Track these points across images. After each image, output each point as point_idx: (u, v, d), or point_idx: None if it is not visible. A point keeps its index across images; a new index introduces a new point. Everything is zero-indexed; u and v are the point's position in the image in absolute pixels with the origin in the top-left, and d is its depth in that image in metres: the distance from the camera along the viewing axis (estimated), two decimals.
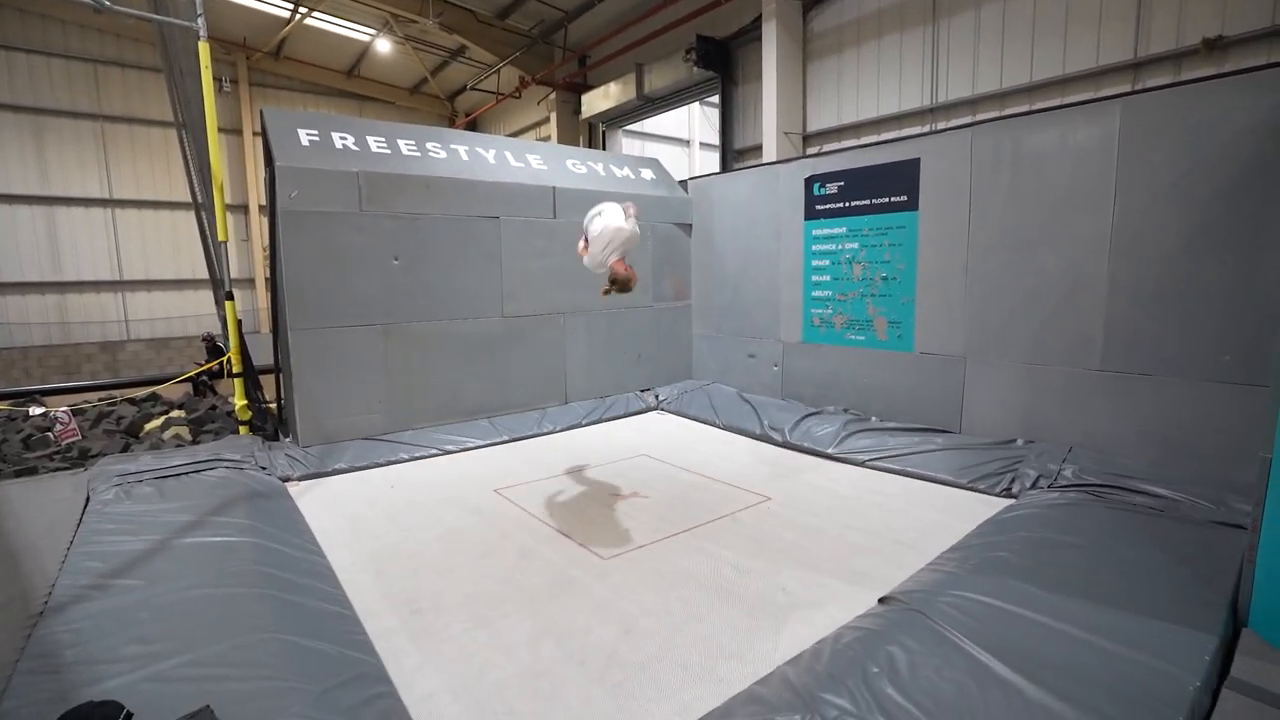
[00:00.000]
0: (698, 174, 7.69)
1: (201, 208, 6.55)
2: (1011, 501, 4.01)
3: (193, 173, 6.56)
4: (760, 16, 8.32)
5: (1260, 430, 2.44)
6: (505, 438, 5.78)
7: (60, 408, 5.59)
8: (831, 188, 6.00)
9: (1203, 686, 2.11)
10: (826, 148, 8.18)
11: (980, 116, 6.60)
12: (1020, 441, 4.73)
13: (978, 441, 4.84)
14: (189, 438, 6.28)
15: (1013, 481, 4.23)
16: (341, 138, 5.60)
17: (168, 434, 6.33)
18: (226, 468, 4.48)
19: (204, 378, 9.88)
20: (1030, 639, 2.37)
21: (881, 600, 2.75)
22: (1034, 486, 4.11)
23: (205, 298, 15.14)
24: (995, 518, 3.67)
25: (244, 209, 16.98)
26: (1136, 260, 4.20)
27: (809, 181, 6.17)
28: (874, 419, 5.60)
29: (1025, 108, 6.34)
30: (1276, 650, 2.31)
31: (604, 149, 12.57)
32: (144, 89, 15.35)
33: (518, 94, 13.69)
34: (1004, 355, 4.90)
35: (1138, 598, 2.65)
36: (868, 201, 5.71)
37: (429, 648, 2.62)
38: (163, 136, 15.36)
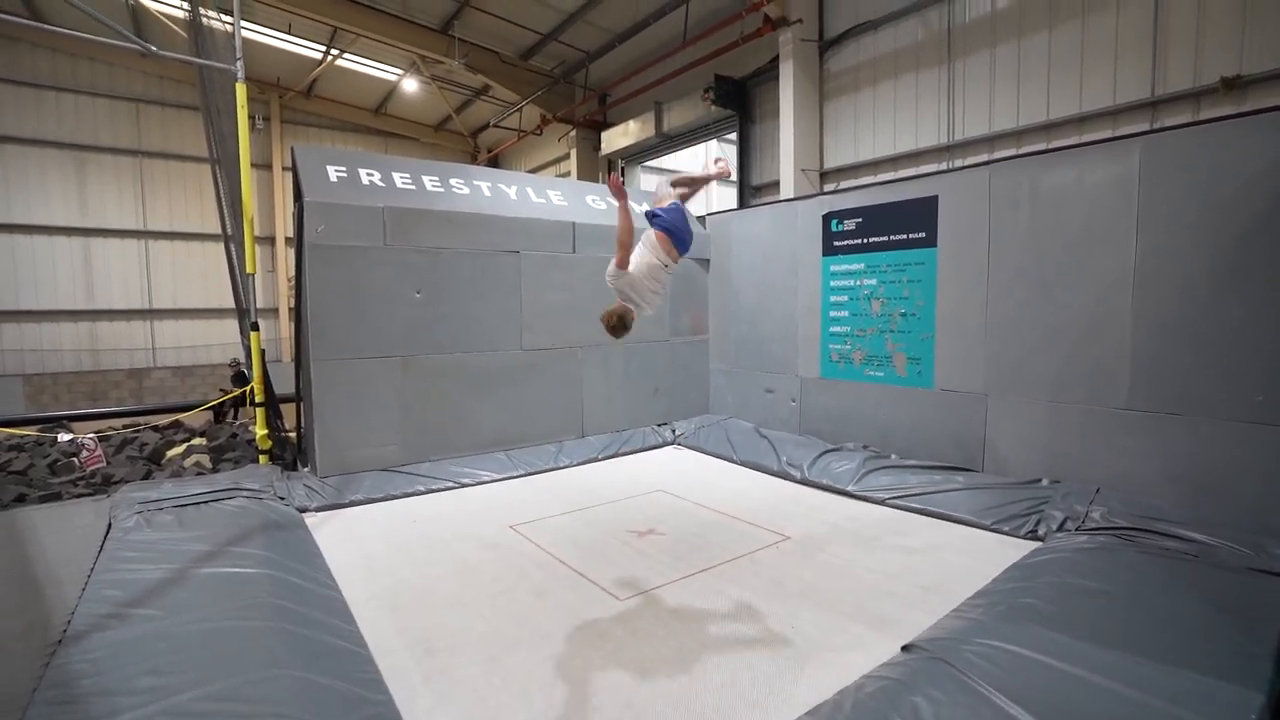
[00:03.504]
0: (716, 210, 7.78)
1: (230, 240, 6.75)
2: (1038, 544, 3.90)
3: (224, 206, 6.78)
4: (778, 57, 8.50)
5: None
6: (521, 471, 5.77)
7: (87, 434, 5.70)
8: (849, 224, 6.03)
9: None
10: (844, 184, 8.25)
11: (997, 154, 6.64)
12: (1045, 481, 4.62)
13: (1001, 481, 4.74)
14: (209, 465, 6.35)
15: (1039, 523, 4.12)
16: (368, 174, 5.77)
17: (189, 461, 6.41)
18: (245, 497, 4.52)
19: (233, 404, 10.06)
20: (1061, 691, 2.28)
21: (905, 648, 2.66)
22: (1061, 529, 4.00)
23: (230, 326, 15.48)
24: (1022, 562, 3.56)
25: (270, 240, 17.45)
26: (1161, 296, 4.15)
27: (826, 218, 6.21)
28: (894, 456, 5.51)
29: (1043, 145, 6.36)
30: None
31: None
32: (181, 126, 15.99)
33: (539, 131, 14.04)
34: (1026, 392, 4.83)
35: (1175, 649, 2.54)
36: (886, 238, 5.73)
37: (443, 690, 2.58)
38: (196, 171, 15.94)
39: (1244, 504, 3.80)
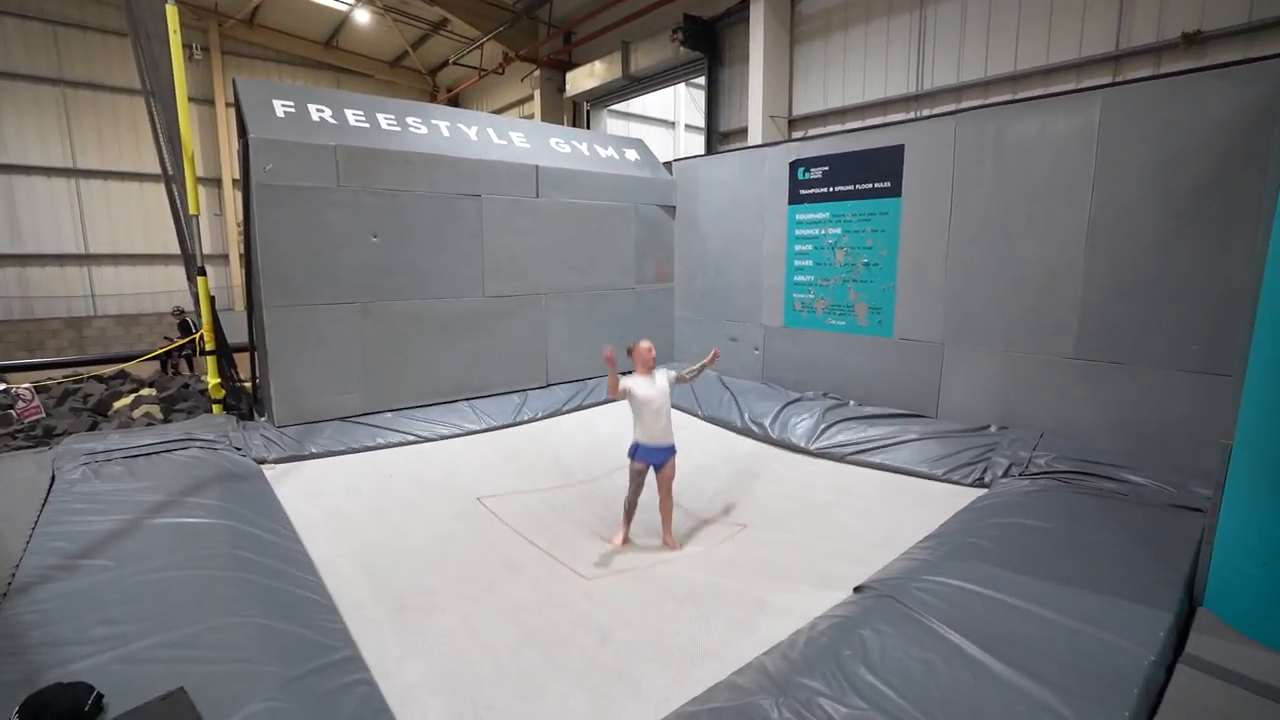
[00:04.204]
0: (683, 156, 7.63)
1: (172, 180, 6.34)
2: (985, 491, 4.09)
3: (162, 143, 6.33)
4: None
5: (1223, 418, 2.51)
6: (485, 426, 5.72)
7: (23, 384, 5.43)
8: (816, 172, 5.99)
9: (1158, 661, 2.19)
10: (812, 132, 8.16)
11: (964, 104, 6.62)
12: (994, 428, 4.82)
13: (953, 429, 4.92)
14: (160, 416, 6.15)
15: (985, 471, 4.32)
16: (318, 110, 5.45)
17: (137, 412, 6.19)
18: (199, 447, 4.41)
19: (179, 354, 9.67)
20: (998, 619, 2.43)
21: (856, 589, 2.80)
22: (1006, 475, 4.19)
23: (177, 273, 14.77)
24: (969, 507, 3.74)
25: (217, 182, 16.51)
26: (1112, 250, 4.27)
27: (794, 166, 6.15)
28: (852, 404, 5.66)
29: (1009, 96, 6.37)
30: (1230, 628, 2.41)
31: (589, 128, 12.40)
32: (108, 53, 14.74)
33: (501, 70, 13.42)
34: (981, 342, 4.97)
35: (1100, 578, 2.73)
36: (851, 187, 5.72)
37: (412, 641, 2.63)
38: (130, 104, 14.81)
39: (1174, 447, 4.04)
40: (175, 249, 8.05)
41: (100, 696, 1.89)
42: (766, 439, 5.53)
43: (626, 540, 3.87)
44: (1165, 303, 4.07)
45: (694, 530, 4.15)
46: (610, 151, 7.27)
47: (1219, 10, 5.17)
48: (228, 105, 15.83)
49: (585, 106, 12.46)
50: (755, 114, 8.26)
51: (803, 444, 5.26)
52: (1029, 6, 6.22)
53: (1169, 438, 4.09)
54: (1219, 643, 2.33)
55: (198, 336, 5.75)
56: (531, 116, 13.01)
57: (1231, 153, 3.76)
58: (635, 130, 13.73)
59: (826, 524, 4.01)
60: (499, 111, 15.08)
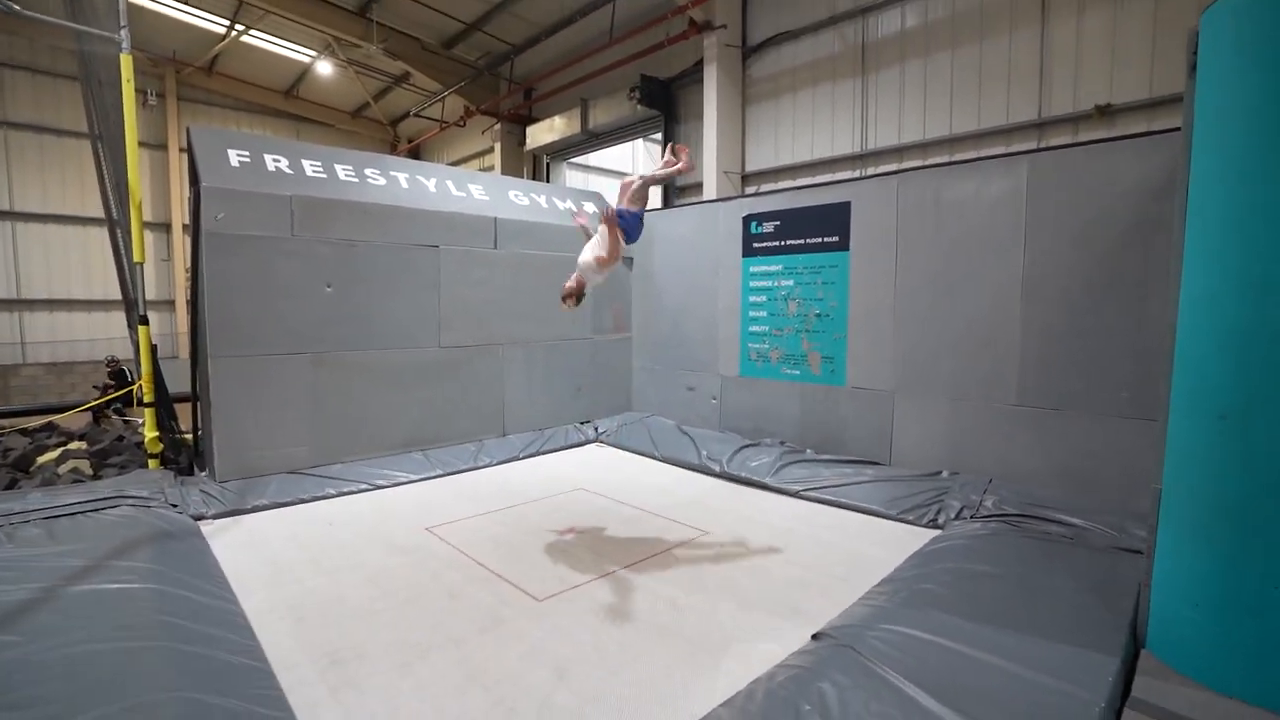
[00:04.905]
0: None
1: (117, 225, 6.17)
2: (938, 532, 4.16)
3: (108, 189, 6.18)
4: (702, 60, 8.65)
5: (1153, 461, 2.64)
6: (439, 472, 5.61)
7: None
8: (768, 226, 6.22)
9: (1107, 707, 2.23)
10: (764, 188, 8.51)
11: (906, 164, 7.03)
12: (945, 473, 4.94)
13: (906, 474, 5.03)
14: (90, 472, 5.79)
15: (939, 513, 4.41)
16: (274, 160, 5.43)
17: (64, 468, 5.82)
18: (131, 505, 4.16)
19: (115, 405, 9.19)
20: (953, 669, 2.45)
21: (814, 636, 2.78)
22: (958, 517, 4.29)
23: (116, 319, 14.17)
24: (923, 550, 3.80)
25: (166, 227, 16.10)
26: (1046, 302, 4.52)
27: (747, 220, 6.38)
28: (809, 451, 5.74)
29: (946, 158, 6.80)
30: (1171, 670, 2.48)
31: (548, 180, 12.64)
32: (57, 96, 14.44)
33: (462, 123, 13.66)
34: (929, 391, 5.14)
35: (1050, 624, 2.79)
36: (802, 241, 5.95)
37: (350, 701, 2.47)
38: (76, 147, 14.45)
39: (1111, 490, 4.21)
40: (116, 294, 7.77)
41: None
42: (724, 475, 5.59)
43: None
44: (1097, 352, 4.31)
45: (657, 528, 4.36)
46: (569, 204, 7.41)
47: (1125, 85, 5.69)
48: (181, 150, 15.60)
49: (545, 159, 12.73)
50: (710, 170, 8.58)
51: (759, 478, 5.32)
52: (960, 74, 6.73)
53: (1105, 481, 4.27)
54: (1162, 685, 2.39)
55: (135, 387, 5.50)
56: (492, 168, 13.21)
57: (1144, 214, 4.08)
58: (594, 182, 14.06)
59: (788, 550, 4.04)
60: (460, 163, 15.26)
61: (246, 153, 5.33)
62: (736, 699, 2.34)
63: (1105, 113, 5.77)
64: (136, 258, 5.19)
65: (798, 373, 6.05)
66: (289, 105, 17.11)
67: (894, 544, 4.02)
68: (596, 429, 7.08)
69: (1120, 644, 2.62)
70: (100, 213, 7.77)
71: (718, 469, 5.66)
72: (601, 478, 5.66)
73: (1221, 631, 2.36)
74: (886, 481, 4.91)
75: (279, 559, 3.82)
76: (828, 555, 3.94)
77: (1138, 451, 4.09)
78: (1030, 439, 4.62)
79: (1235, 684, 2.31)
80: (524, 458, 6.23)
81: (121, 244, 6.12)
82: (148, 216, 15.53)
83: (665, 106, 9.70)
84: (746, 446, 5.88)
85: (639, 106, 9.55)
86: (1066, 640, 2.64)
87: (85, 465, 5.88)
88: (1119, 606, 2.92)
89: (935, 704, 2.22)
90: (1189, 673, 2.43)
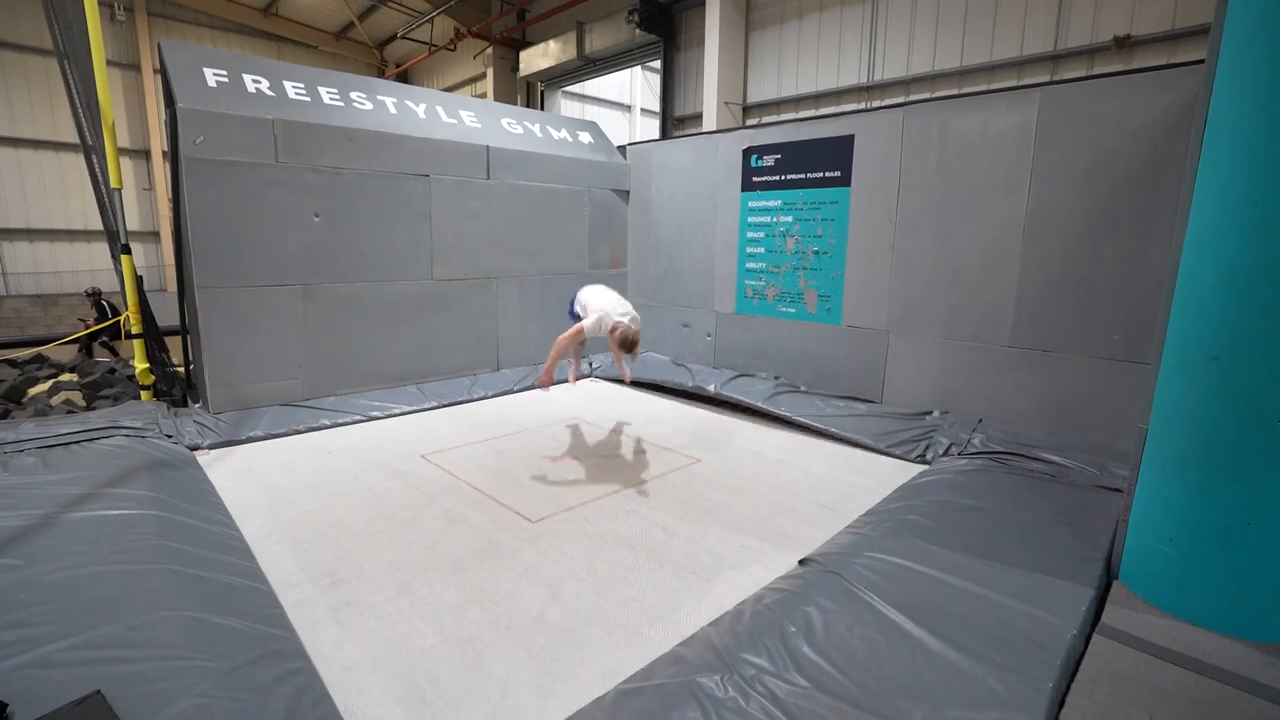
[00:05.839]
0: (638, 140, 7.59)
1: (92, 151, 5.92)
2: (925, 467, 4.25)
3: (79, 111, 5.89)
4: None
5: (1141, 403, 2.67)
6: (434, 404, 5.64)
7: None
8: (769, 160, 6.04)
9: (1078, 633, 2.33)
10: (766, 120, 8.22)
11: (913, 97, 6.78)
12: (936, 413, 5.00)
13: (897, 411, 5.09)
14: (82, 403, 5.79)
15: (927, 449, 4.49)
16: (254, 81, 5.17)
17: (56, 399, 5.82)
18: (126, 436, 4.17)
19: (103, 338, 9.11)
20: (934, 596, 2.54)
21: (801, 562, 2.87)
22: (946, 454, 4.37)
23: (101, 250, 13.89)
24: (909, 483, 3.89)
25: (146, 154, 15.55)
26: (1046, 243, 4.46)
27: (747, 153, 6.19)
28: (802, 388, 5.79)
29: (955, 91, 6.55)
30: (1141, 600, 2.58)
31: (543, 109, 12.18)
32: (14, 8, 13.62)
33: (453, 46, 13.02)
34: (923, 330, 5.14)
35: (1028, 555, 2.88)
36: (803, 176, 5.79)
37: (349, 619, 2.55)
38: (43, 65, 13.75)
39: (1097, 430, 4.29)
40: (99, 224, 7.55)
41: (4, 706, 1.77)
42: (717, 398, 5.75)
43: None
44: (1092, 294, 4.29)
45: (650, 455, 4.47)
46: (564, 134, 7.16)
47: (1147, 16, 5.43)
48: (155, 71, 14.87)
49: (539, 87, 12.23)
50: (710, 100, 8.27)
51: (753, 402, 5.45)
52: (975, 3, 6.40)
53: (1090, 421, 4.33)
54: (1130, 613, 2.49)
55: (123, 318, 5.43)
56: (484, 95, 12.69)
57: (1154, 153, 3.97)
58: (590, 113, 13.57)
59: (776, 477, 4.14)
60: (450, 89, 14.64)
61: (224, 72, 5.07)
62: (724, 619, 2.43)
63: (1124, 45, 5.53)
64: (114, 183, 5.00)
65: (793, 310, 6.02)
66: (268, 24, 16.24)
67: (882, 477, 4.12)
68: (591, 364, 7.09)
69: (1095, 575, 2.71)
70: (73, 137, 7.45)
71: (713, 389, 5.79)
72: (596, 409, 5.71)
73: (1192, 565, 2.45)
74: (877, 417, 4.98)
75: (275, 486, 3.87)
76: (817, 486, 4.03)
77: (1126, 394, 4.14)
78: (1020, 380, 4.66)
79: (1201, 614, 2.41)
80: (518, 391, 6.26)
81: (98, 169, 5.89)
82: (125, 143, 14.96)
83: (665, 32, 9.24)
84: (741, 376, 6.00)
85: (638, 31, 9.10)
86: (1043, 571, 2.73)
87: (78, 397, 5.88)
88: (1095, 541, 3.02)
89: (915, 627, 2.31)
90: (1158, 603, 2.53)
